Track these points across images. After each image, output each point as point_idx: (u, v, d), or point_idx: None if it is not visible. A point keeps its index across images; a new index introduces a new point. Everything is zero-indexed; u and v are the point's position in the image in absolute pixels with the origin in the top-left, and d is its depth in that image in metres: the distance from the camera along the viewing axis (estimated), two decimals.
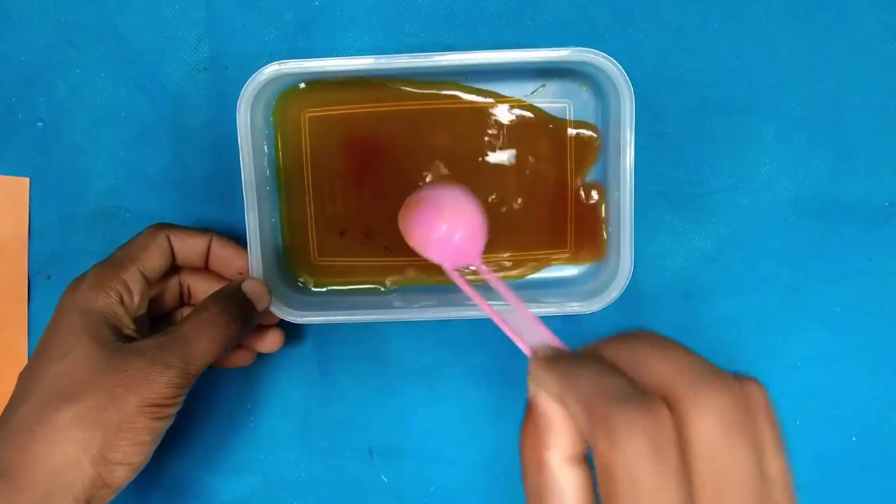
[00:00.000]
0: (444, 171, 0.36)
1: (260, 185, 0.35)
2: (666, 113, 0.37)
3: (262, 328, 0.36)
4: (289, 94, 0.36)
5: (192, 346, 0.30)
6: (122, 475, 0.29)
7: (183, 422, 0.39)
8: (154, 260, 0.33)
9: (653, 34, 0.37)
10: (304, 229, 0.37)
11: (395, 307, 0.36)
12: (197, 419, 0.39)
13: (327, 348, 0.39)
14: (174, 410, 0.31)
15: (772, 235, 0.38)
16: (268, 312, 0.34)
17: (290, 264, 0.38)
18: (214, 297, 0.32)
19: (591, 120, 0.36)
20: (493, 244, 0.37)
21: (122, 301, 0.31)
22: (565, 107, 0.36)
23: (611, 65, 0.33)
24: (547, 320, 0.38)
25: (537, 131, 0.36)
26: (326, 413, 0.39)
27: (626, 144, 0.33)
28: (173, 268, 0.35)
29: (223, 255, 0.35)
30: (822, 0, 0.36)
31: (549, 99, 0.36)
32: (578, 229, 0.37)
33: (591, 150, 0.36)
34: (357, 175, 0.37)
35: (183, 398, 0.31)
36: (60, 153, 0.38)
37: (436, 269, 0.38)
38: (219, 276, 0.36)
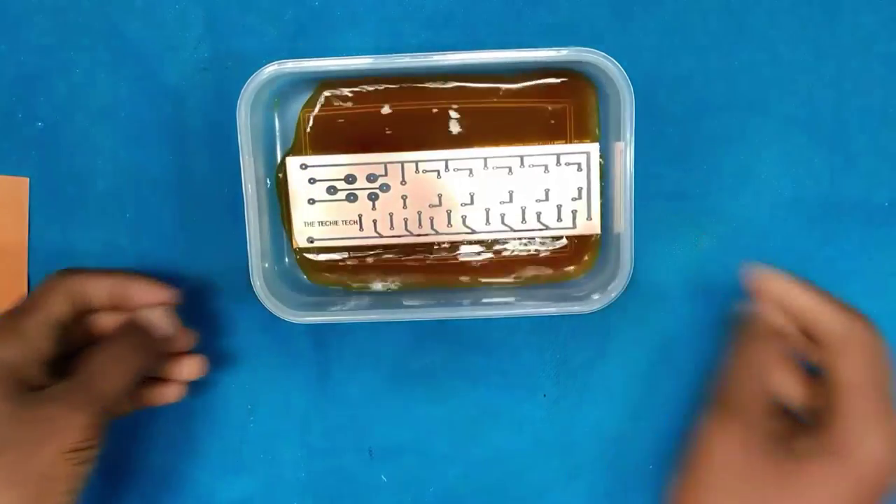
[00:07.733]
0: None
1: (260, 185, 0.35)
2: (666, 112, 0.37)
3: (179, 356, 0.36)
4: (289, 94, 0.36)
5: (100, 385, 0.31)
6: None
7: (182, 422, 0.39)
8: (58, 306, 0.32)
9: (652, 34, 0.37)
10: None
11: (395, 307, 0.36)
12: (196, 420, 0.39)
13: (327, 348, 0.39)
14: (95, 452, 0.30)
15: (772, 235, 0.38)
16: (183, 339, 0.35)
17: (290, 264, 0.38)
18: (117, 331, 0.34)
19: (590, 120, 0.36)
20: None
21: (27, 351, 0.31)
22: (565, 107, 0.36)
23: (610, 64, 0.33)
24: (547, 320, 0.38)
25: (537, 131, 0.36)
26: (326, 413, 0.39)
27: (626, 144, 0.33)
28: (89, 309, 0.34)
29: (130, 293, 0.34)
30: None
31: (549, 99, 0.36)
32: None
33: None
34: None
35: (102, 438, 0.31)
36: (60, 153, 0.38)
37: (436, 269, 0.38)
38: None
